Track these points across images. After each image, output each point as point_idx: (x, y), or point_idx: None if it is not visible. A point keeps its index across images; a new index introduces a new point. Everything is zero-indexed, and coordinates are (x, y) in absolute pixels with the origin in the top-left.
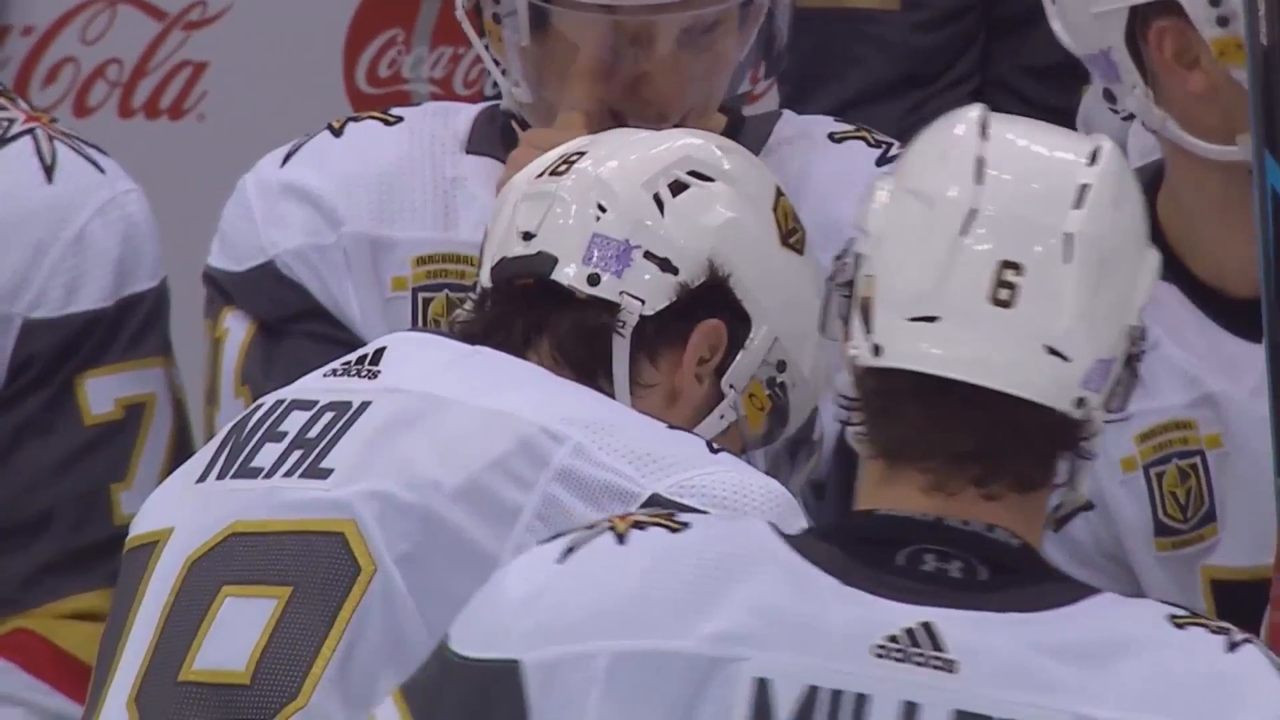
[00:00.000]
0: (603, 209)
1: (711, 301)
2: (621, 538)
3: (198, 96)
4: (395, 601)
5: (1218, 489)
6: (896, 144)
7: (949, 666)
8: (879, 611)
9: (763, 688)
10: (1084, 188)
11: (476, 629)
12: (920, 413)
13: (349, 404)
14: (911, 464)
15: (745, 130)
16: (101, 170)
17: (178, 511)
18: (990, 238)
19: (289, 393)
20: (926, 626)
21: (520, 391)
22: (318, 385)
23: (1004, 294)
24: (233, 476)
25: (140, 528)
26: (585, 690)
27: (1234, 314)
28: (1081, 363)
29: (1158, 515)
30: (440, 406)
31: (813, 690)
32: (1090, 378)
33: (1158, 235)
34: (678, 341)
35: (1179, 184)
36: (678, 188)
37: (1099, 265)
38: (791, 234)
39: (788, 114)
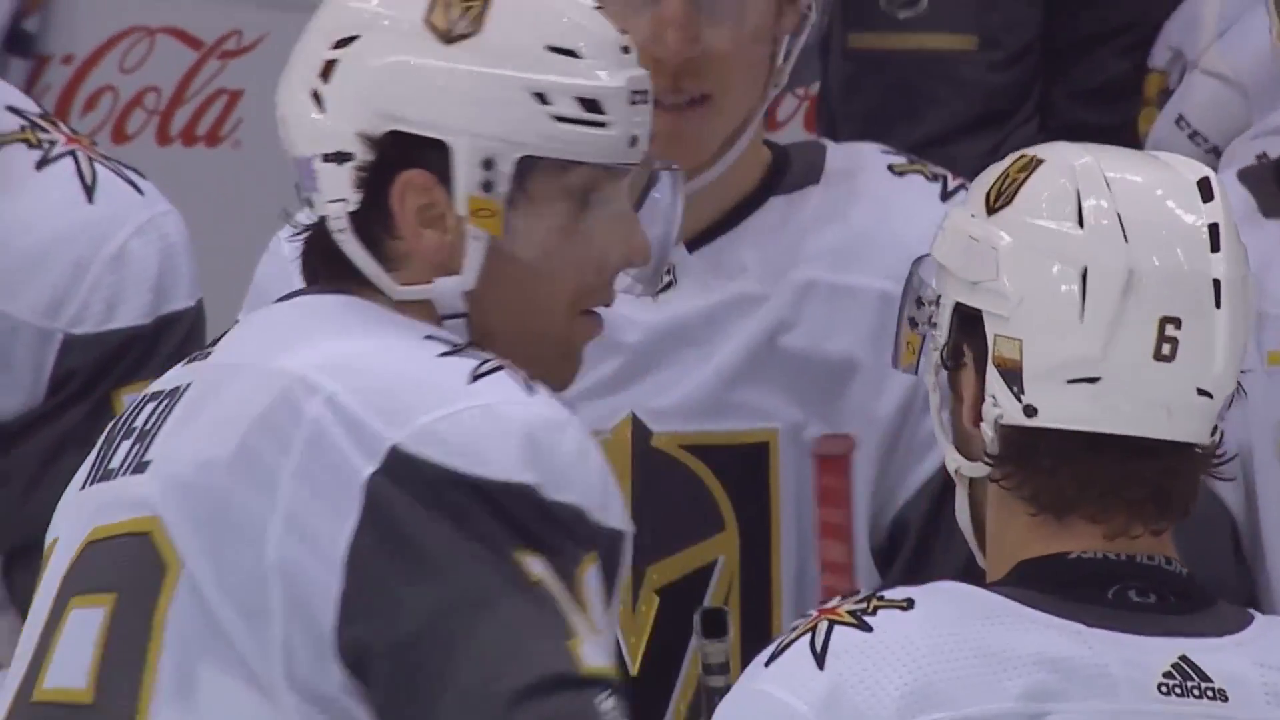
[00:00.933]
0: (293, 137)
1: (397, 156)
2: (868, 626)
3: (233, 124)
4: (203, 594)
5: None
6: (950, 176)
7: (1221, 695)
8: (1139, 650)
9: None
10: (1214, 228)
11: None
12: (1086, 469)
13: (176, 389)
14: (1082, 513)
15: (793, 161)
16: (140, 191)
17: (62, 522)
18: (1151, 297)
19: (152, 385)
20: (1186, 660)
21: (303, 339)
22: (171, 373)
23: (1166, 349)
24: (97, 481)
25: (46, 541)
26: None
27: None
28: (1222, 396)
29: None
30: (231, 375)
31: None
32: (1225, 407)
33: None
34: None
35: None
36: (328, 70)
37: (1241, 301)
38: (458, 23)
39: (829, 144)
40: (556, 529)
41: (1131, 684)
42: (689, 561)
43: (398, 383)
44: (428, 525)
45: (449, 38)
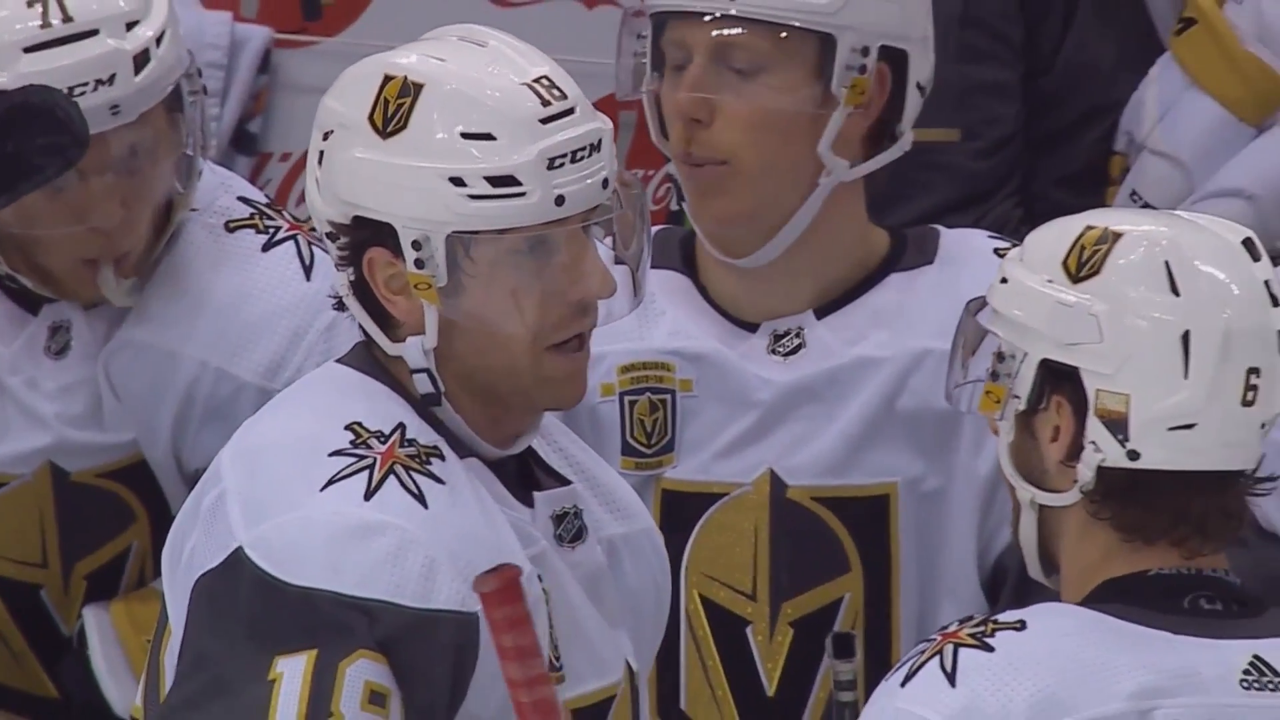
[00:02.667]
0: (312, 214)
1: (364, 237)
2: (990, 647)
3: None
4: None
5: None
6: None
7: None
8: (1219, 651)
9: None
10: (1268, 284)
11: None
12: (1180, 502)
13: None
14: (1162, 538)
15: (909, 244)
16: None
17: None
18: (1240, 352)
19: None
20: (1259, 658)
21: (269, 410)
22: None
23: (1250, 395)
24: None
25: None
26: None
27: None
28: (1271, 423)
29: None
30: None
31: None
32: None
33: None
34: None
35: None
36: (320, 160)
37: None
38: (390, 121)
39: (942, 229)
40: (337, 629)
41: (1219, 681)
42: (819, 598)
43: (267, 484)
44: (213, 627)
45: (384, 134)
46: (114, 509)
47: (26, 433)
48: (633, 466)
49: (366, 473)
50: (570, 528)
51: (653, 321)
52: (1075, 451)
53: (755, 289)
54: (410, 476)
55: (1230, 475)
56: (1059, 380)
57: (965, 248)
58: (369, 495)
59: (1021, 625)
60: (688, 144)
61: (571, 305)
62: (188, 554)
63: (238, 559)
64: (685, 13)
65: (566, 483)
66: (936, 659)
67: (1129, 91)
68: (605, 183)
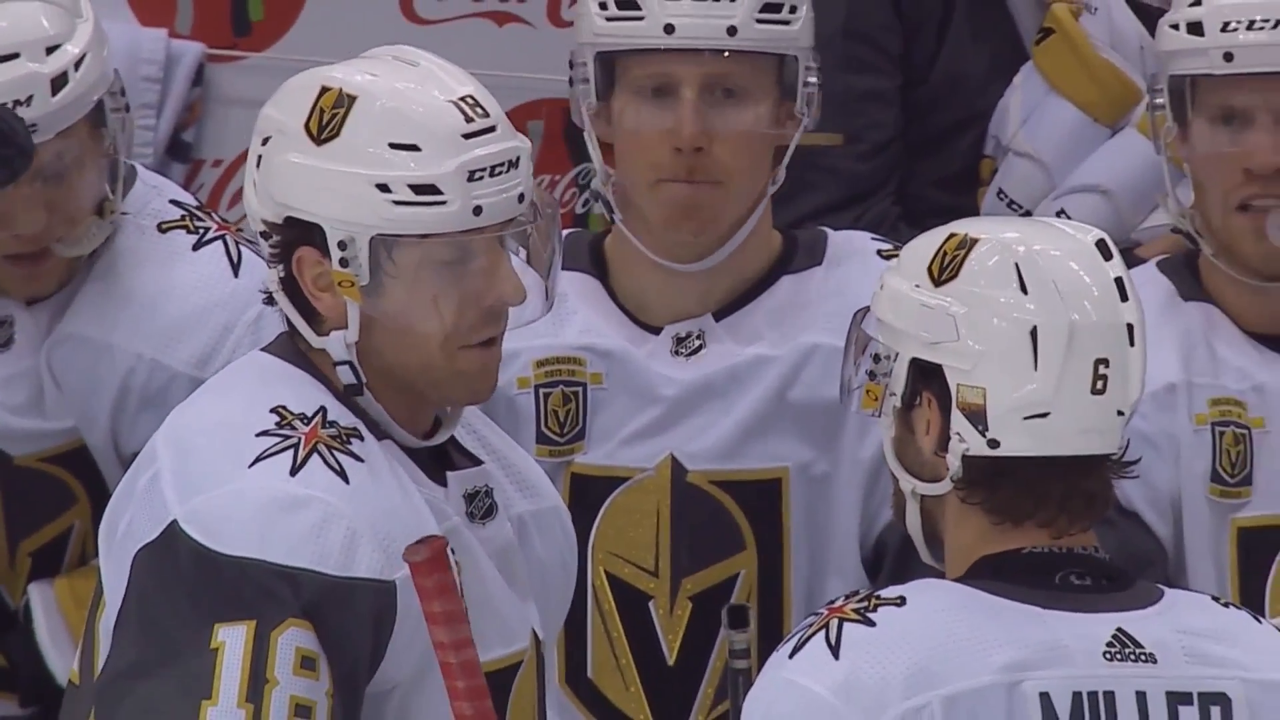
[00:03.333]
0: (248, 211)
1: (295, 236)
2: (872, 622)
3: None
4: None
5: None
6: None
7: (1150, 658)
8: (1085, 625)
9: (1046, 700)
10: (1119, 280)
11: None
12: (1040, 486)
13: None
14: (1029, 520)
15: (799, 246)
16: None
17: None
18: (1088, 345)
19: None
20: (1122, 631)
21: (202, 393)
22: None
23: (1099, 385)
24: None
25: None
26: None
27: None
28: (1130, 414)
29: (1215, 465)
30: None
31: (1078, 695)
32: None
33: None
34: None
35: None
36: (258, 163)
37: (1143, 338)
38: (325, 129)
39: (829, 232)
40: (268, 598)
41: (1084, 654)
42: (716, 575)
43: (198, 462)
44: (156, 597)
45: (319, 140)
46: (56, 491)
47: None
48: (547, 454)
49: (292, 451)
50: (482, 505)
51: (565, 320)
52: (944, 442)
53: (664, 292)
54: (332, 454)
55: (1091, 460)
56: (927, 377)
57: (850, 249)
58: (294, 471)
59: (901, 601)
60: (690, 169)
61: (485, 309)
62: (123, 529)
63: (173, 532)
64: (678, 50)
65: (479, 463)
66: (822, 633)
67: (999, 99)
68: (521, 197)
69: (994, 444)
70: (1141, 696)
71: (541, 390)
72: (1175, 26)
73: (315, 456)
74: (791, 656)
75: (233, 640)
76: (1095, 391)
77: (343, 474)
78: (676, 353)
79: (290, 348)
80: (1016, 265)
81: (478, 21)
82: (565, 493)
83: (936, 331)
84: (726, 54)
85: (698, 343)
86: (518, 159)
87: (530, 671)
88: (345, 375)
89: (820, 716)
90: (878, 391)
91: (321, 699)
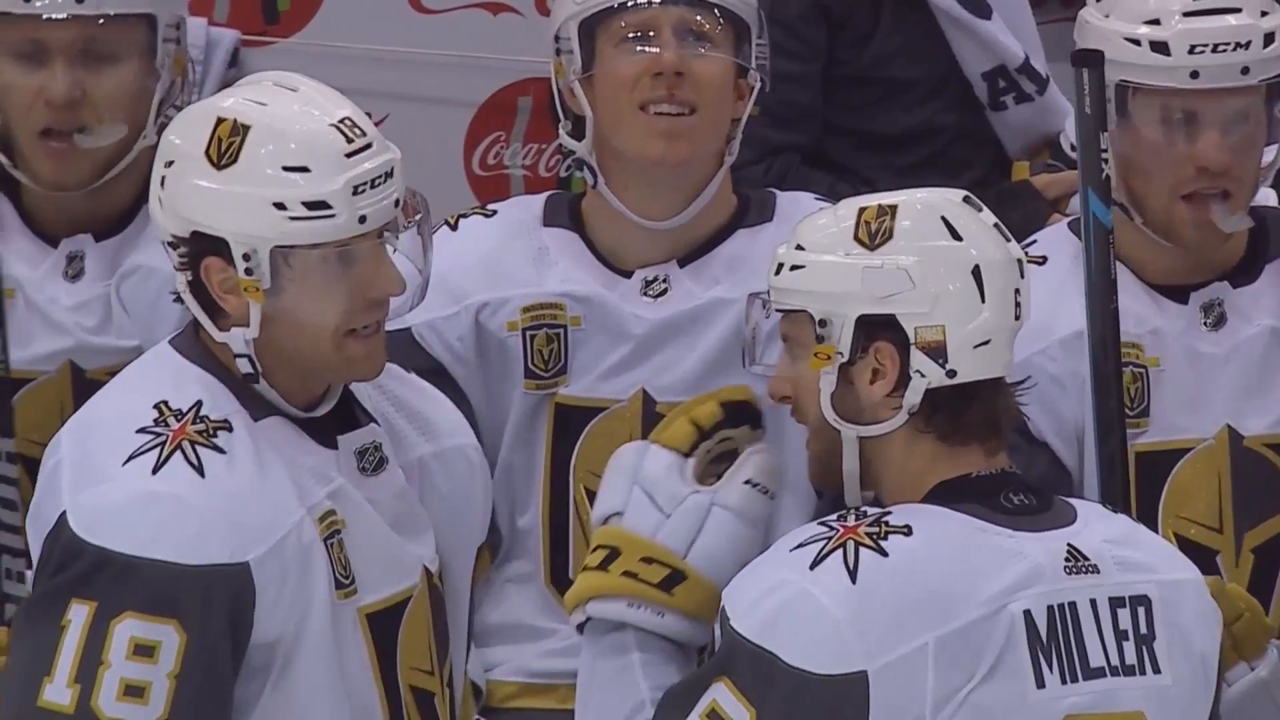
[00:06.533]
0: (155, 223)
1: (201, 248)
2: (885, 551)
3: None
4: None
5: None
6: None
7: (1095, 569)
8: (1045, 542)
9: (1029, 617)
10: (997, 224)
11: (816, 649)
12: (982, 407)
13: None
14: (971, 441)
15: (752, 204)
16: None
17: None
18: (1008, 278)
19: None
20: (1071, 546)
21: (111, 385)
22: None
23: (1017, 312)
24: None
25: None
26: (923, 671)
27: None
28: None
29: None
30: None
31: (1050, 608)
32: None
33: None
34: None
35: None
36: (162, 183)
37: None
38: (224, 155)
39: (778, 192)
40: (115, 585)
41: (1052, 569)
42: None
43: (87, 459)
44: (39, 577)
45: (219, 166)
46: None
47: (50, 338)
48: (534, 387)
49: (158, 450)
50: (372, 460)
51: (548, 270)
52: (902, 383)
53: (636, 243)
54: (194, 450)
55: (1002, 381)
56: (876, 330)
57: (797, 208)
58: (156, 469)
59: (908, 530)
60: (670, 91)
61: (369, 301)
62: (33, 506)
63: (61, 522)
64: (657, 1)
65: (365, 424)
66: (840, 552)
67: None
68: (397, 202)
69: (952, 374)
70: (1094, 604)
71: (528, 332)
72: (1135, 42)
73: (177, 454)
74: (812, 568)
75: (77, 619)
76: (1015, 318)
77: (200, 469)
78: (645, 294)
79: (193, 339)
80: (944, 218)
81: (475, 11)
82: (549, 421)
83: (887, 286)
84: (698, 10)
85: (664, 285)
86: (392, 170)
87: (421, 601)
88: (244, 366)
89: (830, 639)
90: (829, 351)
91: (160, 680)
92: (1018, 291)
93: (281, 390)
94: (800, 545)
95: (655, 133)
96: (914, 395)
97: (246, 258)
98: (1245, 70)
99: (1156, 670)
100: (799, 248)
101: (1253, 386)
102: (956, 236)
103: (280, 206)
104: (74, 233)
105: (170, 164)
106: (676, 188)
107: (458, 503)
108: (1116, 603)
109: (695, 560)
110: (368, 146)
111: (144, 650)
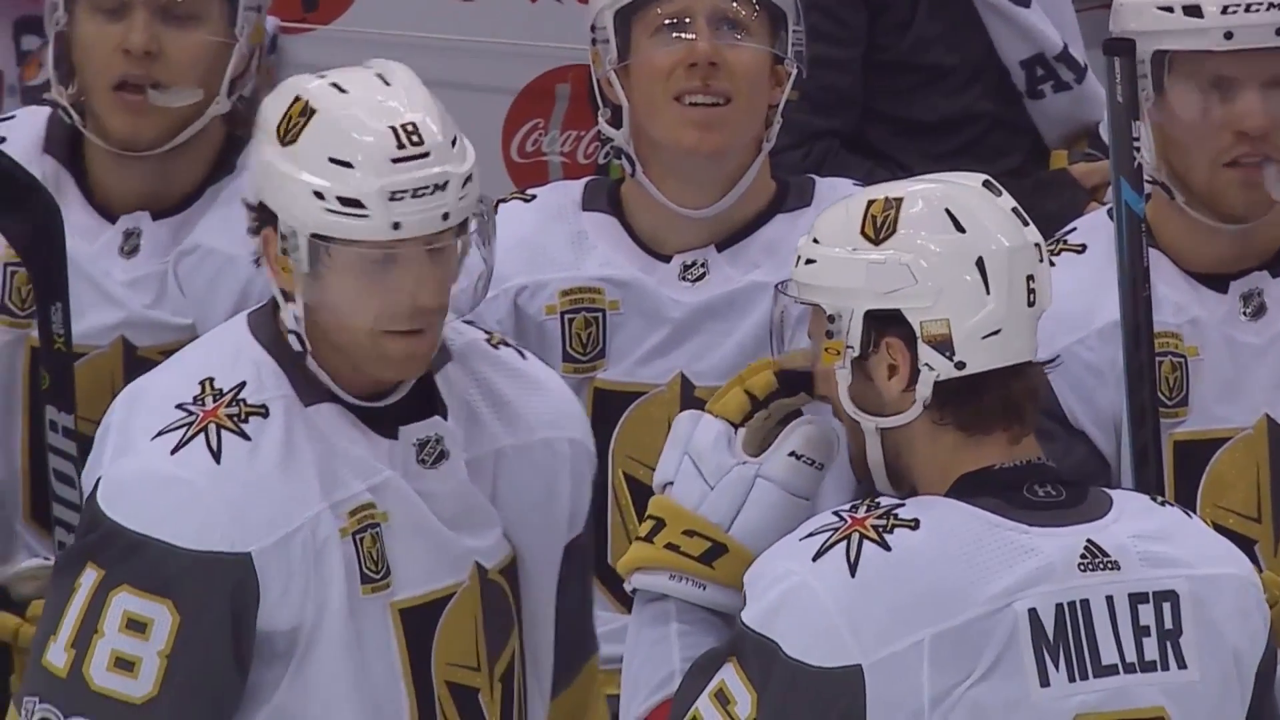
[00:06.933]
0: None
1: (264, 217)
2: (888, 545)
3: None
4: None
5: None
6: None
7: (1115, 566)
8: (1061, 538)
9: (1034, 616)
10: (1015, 209)
11: (813, 641)
12: (998, 395)
13: None
14: (994, 430)
15: (791, 189)
16: None
17: None
18: (1018, 265)
19: None
20: (1090, 542)
21: (177, 355)
22: None
23: (1031, 298)
24: None
25: None
26: (918, 667)
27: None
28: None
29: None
30: None
31: (1059, 606)
32: None
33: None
34: None
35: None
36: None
37: (1045, 254)
38: (288, 134)
39: (816, 178)
40: (121, 559)
41: (1064, 567)
42: None
43: (128, 427)
44: (74, 536)
45: (283, 143)
46: None
47: (103, 311)
48: (572, 370)
49: (184, 430)
50: (431, 452)
51: (586, 254)
52: (914, 377)
53: (675, 229)
54: (218, 434)
55: (1026, 366)
56: (885, 325)
57: (835, 194)
58: (175, 451)
59: (915, 524)
60: (705, 81)
61: (404, 308)
62: (86, 468)
63: (94, 488)
64: None
65: (428, 417)
66: (843, 545)
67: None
68: (446, 216)
69: (961, 365)
70: (1110, 600)
71: (566, 316)
72: (1168, 9)
73: (200, 437)
74: (815, 559)
75: (85, 583)
76: (1030, 304)
77: (218, 455)
78: (683, 278)
79: (269, 314)
80: (947, 210)
81: None
82: (588, 405)
83: (891, 282)
84: None
85: (702, 270)
86: (446, 183)
87: (468, 598)
88: (294, 343)
89: (825, 633)
90: (838, 346)
91: (150, 657)
92: (1031, 278)
93: (335, 376)
94: (810, 535)
95: (689, 123)
96: (924, 388)
97: (284, 237)
98: (1279, 31)
99: (1182, 666)
100: (815, 241)
101: None
102: (960, 228)
103: (319, 196)
104: (135, 209)
105: (258, 129)
106: (713, 176)
107: (535, 497)
108: (1138, 599)
109: (738, 533)
110: (421, 156)
111: (136, 625)
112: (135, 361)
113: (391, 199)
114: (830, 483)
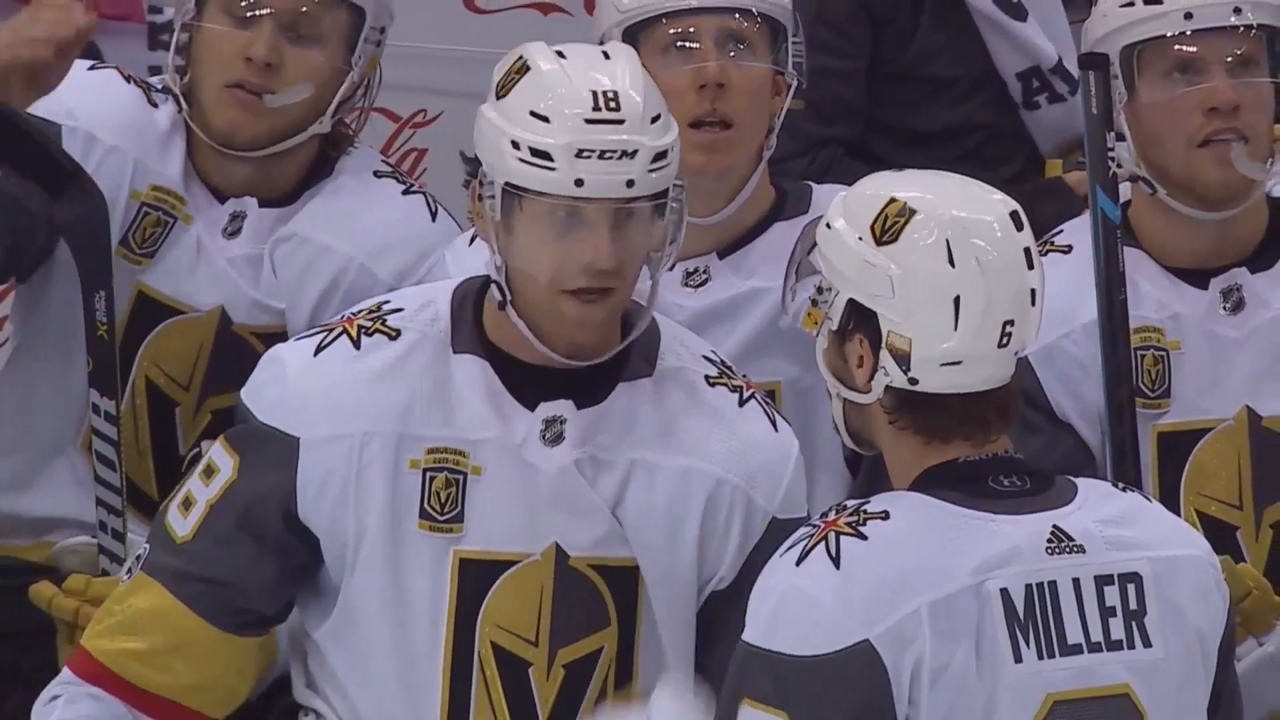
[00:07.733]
0: None
1: (476, 166)
2: (864, 536)
3: (420, 173)
4: None
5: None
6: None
7: (1080, 549)
8: (1028, 524)
9: (1006, 595)
10: (1028, 250)
11: (816, 632)
12: (957, 410)
13: None
14: (953, 439)
15: (789, 197)
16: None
17: None
18: (998, 311)
19: None
20: (1057, 527)
21: None
22: None
23: (1005, 340)
24: None
25: None
26: (921, 636)
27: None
28: (1024, 347)
29: (1137, 382)
30: None
31: (1029, 586)
32: None
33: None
34: None
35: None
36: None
37: (1042, 297)
38: (501, 89)
39: (814, 185)
40: (251, 444)
41: (1032, 551)
42: None
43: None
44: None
45: (498, 95)
46: (253, 362)
47: (208, 280)
48: None
49: (325, 333)
50: (554, 431)
51: None
52: (873, 373)
53: None
54: (343, 338)
55: (1001, 388)
56: (861, 316)
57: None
58: (317, 351)
59: (885, 515)
60: (713, 104)
61: (578, 266)
62: None
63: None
64: (697, 9)
65: (562, 399)
66: (822, 545)
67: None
68: (631, 183)
69: (914, 382)
70: (1076, 582)
71: None
72: (1129, 4)
73: (342, 338)
74: (798, 564)
75: (219, 461)
76: (1001, 345)
77: (320, 350)
78: (687, 284)
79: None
80: (947, 241)
81: (526, 11)
82: None
83: (875, 286)
84: (737, 14)
85: (704, 276)
86: (635, 151)
87: (537, 572)
88: (493, 293)
89: (825, 620)
90: (819, 316)
91: (201, 503)
92: (1010, 323)
93: (535, 330)
94: (789, 548)
95: (696, 146)
96: (878, 387)
97: (483, 184)
98: (1237, 10)
99: (1147, 644)
100: (843, 208)
101: (1270, 369)
102: (951, 263)
103: (515, 145)
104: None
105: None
106: (717, 190)
107: (659, 517)
108: (1103, 580)
109: None
110: (615, 122)
111: (208, 471)
112: (228, 336)
113: (578, 156)
114: (827, 482)
